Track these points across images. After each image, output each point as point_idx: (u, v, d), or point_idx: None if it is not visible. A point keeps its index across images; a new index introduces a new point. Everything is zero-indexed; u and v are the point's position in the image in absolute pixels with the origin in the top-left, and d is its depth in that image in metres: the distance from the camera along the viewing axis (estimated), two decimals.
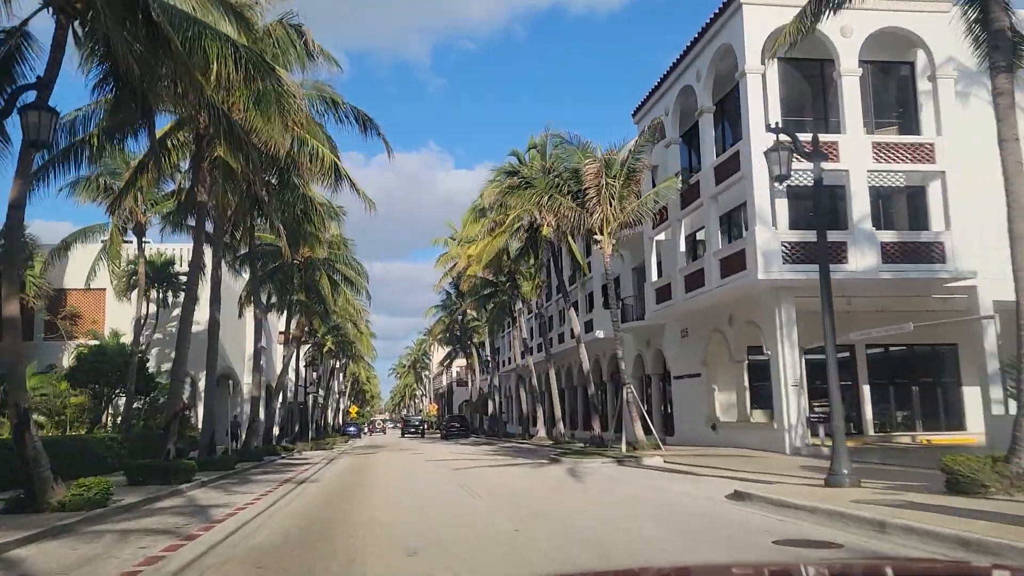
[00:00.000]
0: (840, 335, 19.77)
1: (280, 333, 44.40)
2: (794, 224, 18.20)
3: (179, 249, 30.74)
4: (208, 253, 24.98)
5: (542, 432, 34.45)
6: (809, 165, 17.96)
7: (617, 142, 21.03)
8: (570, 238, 26.24)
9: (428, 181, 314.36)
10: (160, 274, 28.49)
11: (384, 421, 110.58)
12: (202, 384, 27.51)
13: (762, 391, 21.35)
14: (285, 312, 33.43)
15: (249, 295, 27.60)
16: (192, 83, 11.60)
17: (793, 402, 17.69)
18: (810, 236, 17.54)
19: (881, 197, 19.00)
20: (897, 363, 23.11)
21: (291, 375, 43.73)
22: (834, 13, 11.18)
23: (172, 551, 7.23)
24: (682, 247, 22.01)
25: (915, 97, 19.11)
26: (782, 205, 18.06)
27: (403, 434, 63.92)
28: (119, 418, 24.57)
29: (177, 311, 32.96)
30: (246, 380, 35.31)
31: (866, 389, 22.40)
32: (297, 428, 42.47)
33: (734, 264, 18.32)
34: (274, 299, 34.40)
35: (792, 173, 18.38)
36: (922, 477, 10.90)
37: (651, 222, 23.54)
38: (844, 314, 20.70)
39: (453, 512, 9.61)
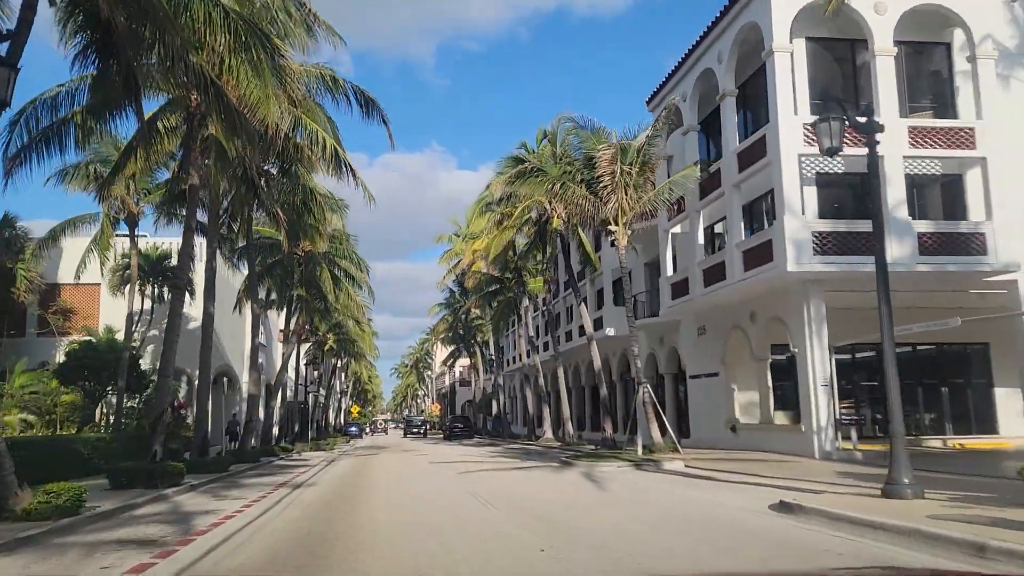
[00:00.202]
0: (871, 332, 18.77)
1: (280, 331, 43.42)
2: (823, 214, 17.09)
3: (175, 243, 29.63)
4: (202, 245, 24.20)
5: (549, 433, 33.36)
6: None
7: (632, 130, 19.93)
8: (581, 232, 25.15)
9: (431, 182, 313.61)
10: (155, 268, 27.47)
11: (386, 421, 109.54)
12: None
13: (785, 392, 20.27)
14: (285, 308, 32.33)
15: (248, 290, 26.54)
16: (179, 51, 10.55)
17: (823, 403, 16.58)
18: (841, 225, 16.50)
19: (915, 186, 17.88)
20: (925, 363, 21.97)
21: (291, 374, 42.72)
22: None
23: (138, 572, 6.18)
24: (700, 239, 20.90)
25: (952, 80, 18.00)
26: (810, 193, 16.95)
27: (405, 434, 62.90)
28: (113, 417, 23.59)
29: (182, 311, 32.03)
30: (245, 379, 34.25)
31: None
32: (297, 428, 41.45)
33: (759, 256, 17.22)
34: (274, 295, 33.36)
35: (822, 158, 17.41)
36: (986, 487, 9.82)
37: (666, 214, 22.48)
38: (871, 310, 19.67)
39: (465, 525, 8.53)
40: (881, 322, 9.38)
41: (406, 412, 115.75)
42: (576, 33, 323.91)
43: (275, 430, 32.95)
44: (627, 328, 28.38)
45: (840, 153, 16.99)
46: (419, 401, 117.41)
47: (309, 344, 46.77)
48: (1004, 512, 7.32)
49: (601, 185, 19.00)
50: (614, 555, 6.44)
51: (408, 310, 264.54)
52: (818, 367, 16.70)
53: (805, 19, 16.74)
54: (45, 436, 18.51)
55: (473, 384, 62.62)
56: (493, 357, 48.79)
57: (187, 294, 27.41)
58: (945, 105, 17.97)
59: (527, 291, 35.96)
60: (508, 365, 49.74)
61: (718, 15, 18.90)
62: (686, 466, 16.20)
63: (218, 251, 27.67)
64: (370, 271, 31.34)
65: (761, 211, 19.85)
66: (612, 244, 30.16)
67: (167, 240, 29.82)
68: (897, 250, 16.31)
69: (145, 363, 28.54)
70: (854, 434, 16.51)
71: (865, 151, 16.75)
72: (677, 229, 23.15)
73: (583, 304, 26.00)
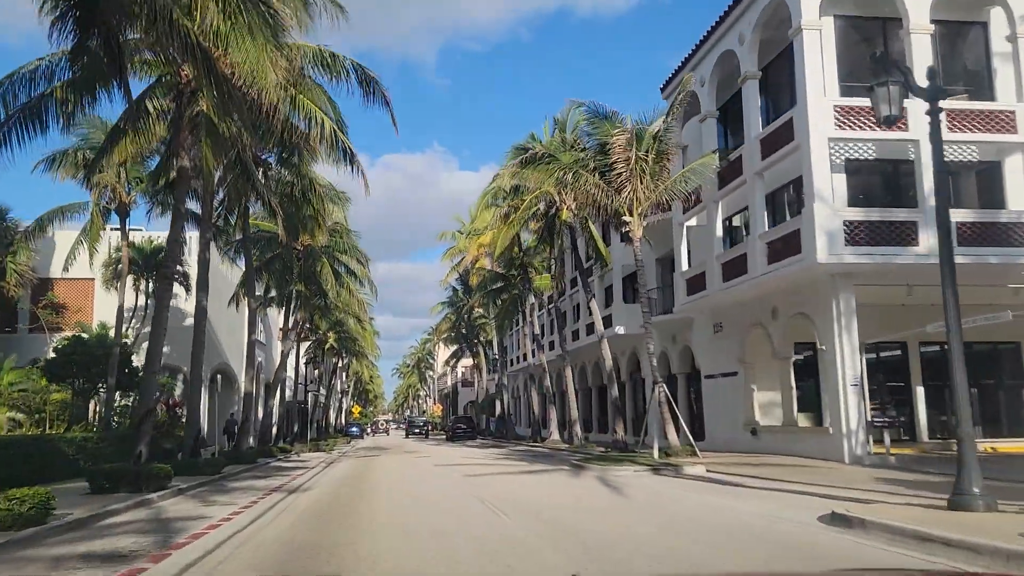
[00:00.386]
0: (898, 329, 17.78)
1: (280, 329, 42.45)
2: (852, 203, 16.07)
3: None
4: (194, 237, 23.17)
5: (555, 435, 32.34)
6: (871, 134, 15.98)
7: (647, 115, 18.92)
8: (591, 225, 24.14)
9: (433, 182, 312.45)
10: (149, 262, 26.49)
11: (387, 422, 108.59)
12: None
13: (805, 392, 19.26)
14: (284, 304, 31.33)
15: (245, 284, 25.55)
16: (164, 8, 9.58)
17: (852, 404, 15.56)
18: (874, 214, 15.48)
19: (949, 174, 16.80)
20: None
21: (290, 372, 41.75)
22: None
23: None
24: (718, 232, 19.89)
25: (989, 62, 16.99)
26: (839, 181, 15.93)
27: (407, 435, 61.94)
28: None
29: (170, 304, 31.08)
30: (243, 377, 33.26)
31: (920, 391, 20.24)
32: (296, 428, 40.49)
33: (785, 247, 16.21)
34: (273, 292, 32.39)
35: (852, 143, 16.42)
36: None
37: (681, 206, 21.47)
38: (899, 307, 18.69)
39: (478, 540, 7.52)
40: (947, 315, 8.38)
41: (408, 413, 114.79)
42: (577, 33, 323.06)
43: (273, 430, 31.98)
44: (637, 326, 27.43)
45: (871, 138, 16.11)
46: (421, 401, 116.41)
47: (309, 343, 45.86)
48: None
49: (615, 173, 18.02)
50: None
51: (410, 311, 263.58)
52: (848, 365, 15.69)
53: None
54: (28, 435, 17.52)
55: (476, 384, 61.62)
56: (497, 357, 47.77)
57: (181, 287, 26.71)
58: (982, 88, 16.95)
59: (533, 288, 34.96)
60: (512, 365, 48.73)
61: None
62: (707, 471, 15.18)
63: (214, 244, 26.87)
64: (370, 263, 30.25)
65: (783, 202, 18.85)
66: (622, 240, 29.18)
67: (162, 233, 28.79)
68: (933, 240, 15.28)
69: (139, 360, 27.58)
70: (887, 437, 15.49)
71: (898, 134, 15.84)
72: (692, 222, 22.14)
73: (593, 300, 24.95)
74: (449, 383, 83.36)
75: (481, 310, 48.15)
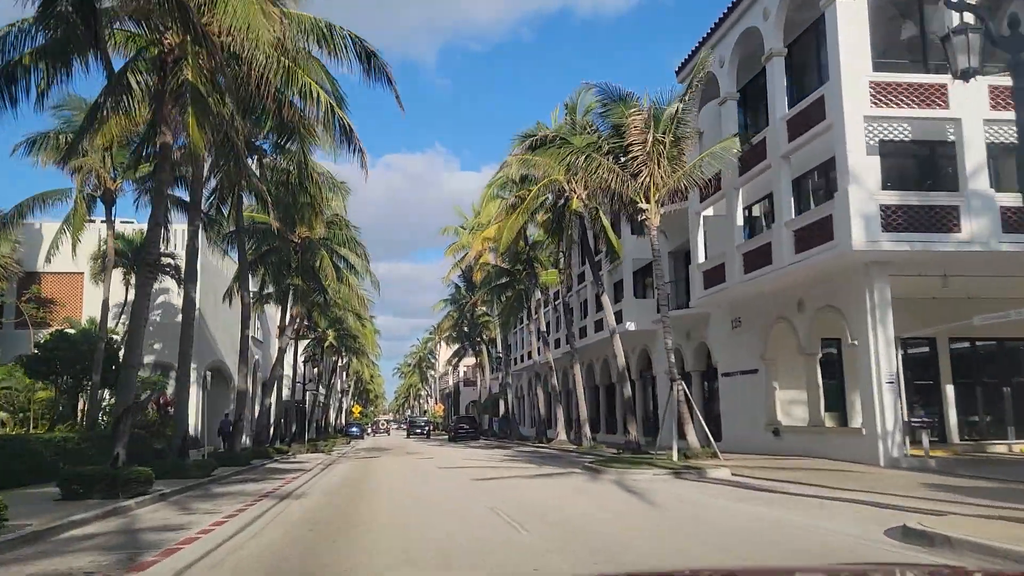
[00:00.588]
0: (932, 323, 16.67)
1: (278, 326, 41.40)
2: (886, 187, 14.95)
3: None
4: (181, 231, 22.08)
5: (561, 435, 31.22)
6: (908, 112, 14.87)
7: (664, 95, 17.79)
8: (602, 215, 23.02)
9: (434, 182, 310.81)
10: (139, 254, 25.38)
11: (388, 422, 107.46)
12: (191, 377, 24.36)
13: (831, 390, 18.16)
14: (281, 300, 30.20)
15: (239, 278, 24.42)
16: None
17: (888, 403, 14.45)
18: (912, 198, 14.36)
19: (990, 156, 15.73)
20: (984, 360, 19.84)
21: (288, 371, 40.66)
22: None
23: None
24: (739, 221, 18.78)
25: None
26: (872, 164, 14.79)
27: (408, 435, 60.89)
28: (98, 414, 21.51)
29: (161, 297, 29.97)
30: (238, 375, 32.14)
31: (949, 390, 19.15)
32: (294, 428, 39.38)
33: (815, 235, 15.10)
34: (269, 289, 31.30)
35: (887, 123, 15.31)
36: None
37: (698, 195, 20.33)
38: (929, 301, 17.58)
39: (499, 565, 6.41)
40: None
41: (408, 412, 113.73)
42: (578, 33, 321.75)
43: (270, 430, 30.88)
44: (649, 322, 26.38)
45: (908, 116, 14.99)
46: (422, 401, 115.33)
47: (308, 340, 44.76)
48: None
49: (630, 156, 16.91)
50: None
51: (411, 311, 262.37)
52: (883, 361, 14.58)
53: None
54: (0, 436, 16.42)
55: (478, 384, 60.52)
56: (500, 355, 46.67)
57: (173, 281, 25.66)
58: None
59: (539, 284, 33.84)
60: (516, 364, 47.61)
61: None
62: (733, 474, 14.09)
63: (206, 235, 25.82)
64: (370, 260, 29.11)
65: (808, 189, 17.75)
66: (633, 232, 28.06)
67: None
68: (975, 226, 14.21)
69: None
70: (926, 438, 14.39)
71: (937, 112, 14.75)
72: (710, 212, 21.04)
73: (605, 294, 23.82)
74: (451, 382, 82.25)
75: (484, 307, 47.07)
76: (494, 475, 15.99)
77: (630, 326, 26.36)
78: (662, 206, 17.67)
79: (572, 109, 22.04)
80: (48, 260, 22.99)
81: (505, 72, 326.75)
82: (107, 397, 22.11)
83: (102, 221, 24.39)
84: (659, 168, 16.67)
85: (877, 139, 15.01)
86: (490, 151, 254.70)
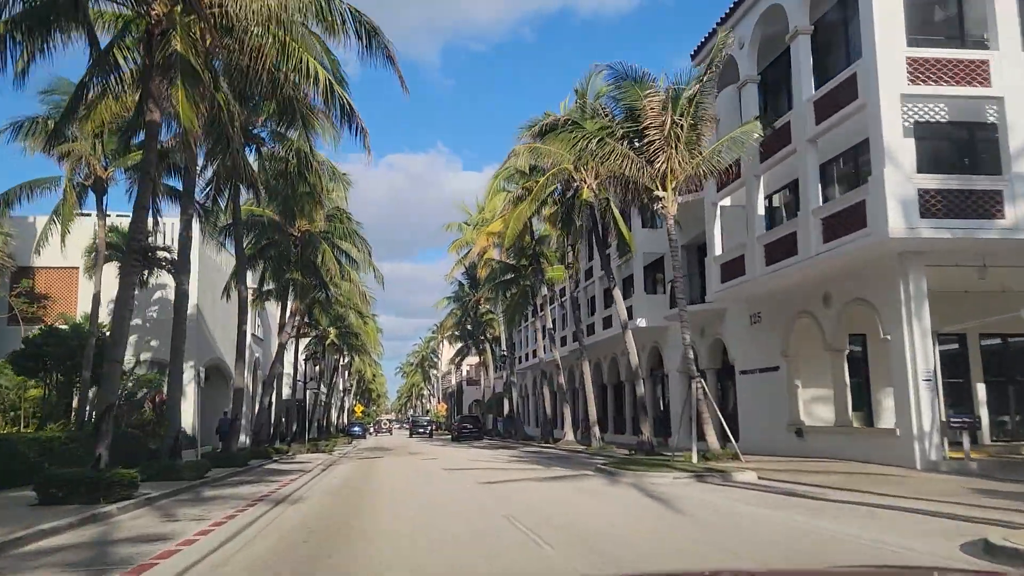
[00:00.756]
0: (965, 318, 15.75)
1: (279, 323, 40.56)
2: (921, 171, 14.02)
3: (161, 224, 26.79)
4: (176, 223, 21.13)
5: (569, 435, 30.31)
6: (947, 90, 13.94)
7: (683, 76, 16.87)
8: (613, 206, 22.09)
9: (436, 183, 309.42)
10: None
11: (391, 421, 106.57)
12: (188, 375, 23.53)
13: (855, 389, 17.23)
14: (281, 296, 29.31)
15: (237, 272, 23.54)
16: None
17: (926, 402, 13.52)
18: (953, 182, 13.42)
19: None
20: (1017, 357, 18.89)
21: (289, 369, 39.82)
22: None
23: None
24: (760, 210, 17.87)
25: None
26: (907, 147, 13.87)
27: (411, 435, 60.09)
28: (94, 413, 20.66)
29: (159, 293, 29.13)
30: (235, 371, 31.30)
31: (980, 388, 18.23)
32: (295, 427, 38.55)
33: (846, 223, 14.17)
34: (269, 285, 30.42)
35: (923, 104, 14.38)
36: None
37: (715, 184, 19.42)
38: (960, 294, 16.64)
39: None
40: None
41: (411, 412, 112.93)
42: (579, 33, 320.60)
43: (270, 429, 30.03)
44: (660, 318, 25.46)
45: (945, 95, 14.05)
46: (424, 401, 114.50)
47: (310, 338, 43.91)
48: None
49: (646, 141, 15.99)
50: None
51: (413, 311, 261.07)
52: (919, 357, 13.65)
53: None
54: None
55: (482, 383, 59.66)
56: (505, 353, 45.78)
57: (170, 276, 24.78)
58: None
59: (545, 280, 32.94)
60: (520, 362, 46.71)
61: None
62: (760, 478, 13.19)
63: (206, 229, 24.97)
64: (371, 252, 28.17)
65: (832, 177, 16.83)
66: (644, 225, 27.15)
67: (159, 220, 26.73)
68: (1020, 212, 13.27)
69: (127, 355, 25.70)
70: (967, 440, 13.45)
71: (977, 91, 13.80)
72: (727, 202, 20.11)
73: (616, 288, 22.90)
74: (453, 382, 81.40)
75: (488, 305, 46.19)
76: (503, 478, 15.10)
77: (641, 322, 25.44)
78: (682, 191, 16.74)
79: (582, 94, 21.09)
80: (37, 253, 22.13)
81: (506, 72, 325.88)
82: (88, 394, 21.26)
83: (101, 215, 23.56)
84: (677, 153, 15.75)
85: (912, 120, 14.10)
86: (492, 151, 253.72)
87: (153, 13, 11.56)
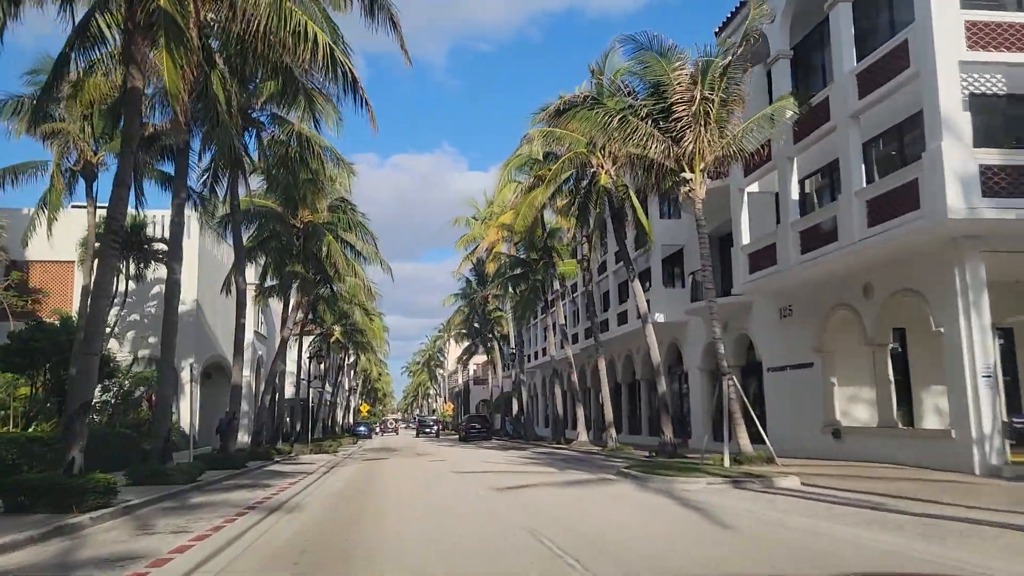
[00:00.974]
0: (1017, 311, 14.52)
1: (281, 318, 39.53)
2: (979, 147, 12.76)
3: (158, 216, 25.82)
4: (167, 214, 19.99)
5: (582, 436, 29.12)
6: (1009, 57, 12.68)
7: (710, 49, 15.62)
8: (632, 194, 20.86)
9: (442, 183, 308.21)
10: (131, 239, 23.54)
11: (397, 421, 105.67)
12: (185, 373, 22.51)
13: (898, 387, 15.96)
14: (283, 290, 28.23)
15: (236, 265, 22.46)
16: None
17: (986, 401, 12.27)
18: (1018, 157, 12.15)
19: None
20: None
21: (292, 367, 38.80)
22: None
23: None
24: (794, 195, 16.64)
25: None
26: (964, 120, 12.60)
27: (417, 435, 59.12)
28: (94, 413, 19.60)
29: (157, 288, 28.10)
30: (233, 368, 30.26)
31: None
32: (299, 427, 37.53)
33: (896, 204, 12.94)
34: (272, 281, 29.34)
35: (981, 72, 13.11)
36: None
37: (742, 169, 18.18)
38: (1012, 284, 15.38)
39: None
40: None
41: (417, 412, 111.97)
42: (586, 33, 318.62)
43: (272, 429, 28.96)
44: (680, 313, 24.20)
45: (1007, 62, 12.77)
46: (431, 400, 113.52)
47: (314, 336, 42.89)
48: None
49: (673, 118, 14.79)
50: None
51: (419, 311, 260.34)
52: (978, 352, 12.39)
53: None
54: None
55: (489, 382, 58.48)
56: (514, 351, 44.59)
57: (163, 265, 23.71)
58: None
59: (557, 275, 31.74)
60: (530, 361, 45.53)
61: None
62: (803, 483, 11.97)
63: (203, 219, 23.88)
64: (378, 241, 27.03)
65: (871, 157, 15.56)
66: (662, 216, 25.94)
67: (149, 212, 25.73)
68: None
69: (117, 348, 24.73)
70: None
71: None
72: (754, 188, 18.88)
73: (636, 280, 21.69)
74: (460, 381, 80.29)
75: (496, 302, 45.03)
76: (519, 482, 13.94)
77: (659, 317, 24.22)
78: (712, 173, 15.53)
79: (599, 73, 19.83)
80: (24, 244, 21.12)
81: (513, 72, 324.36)
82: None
83: (99, 207, 22.59)
84: (706, 132, 14.55)
85: (968, 92, 12.83)
86: (498, 151, 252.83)
87: None
